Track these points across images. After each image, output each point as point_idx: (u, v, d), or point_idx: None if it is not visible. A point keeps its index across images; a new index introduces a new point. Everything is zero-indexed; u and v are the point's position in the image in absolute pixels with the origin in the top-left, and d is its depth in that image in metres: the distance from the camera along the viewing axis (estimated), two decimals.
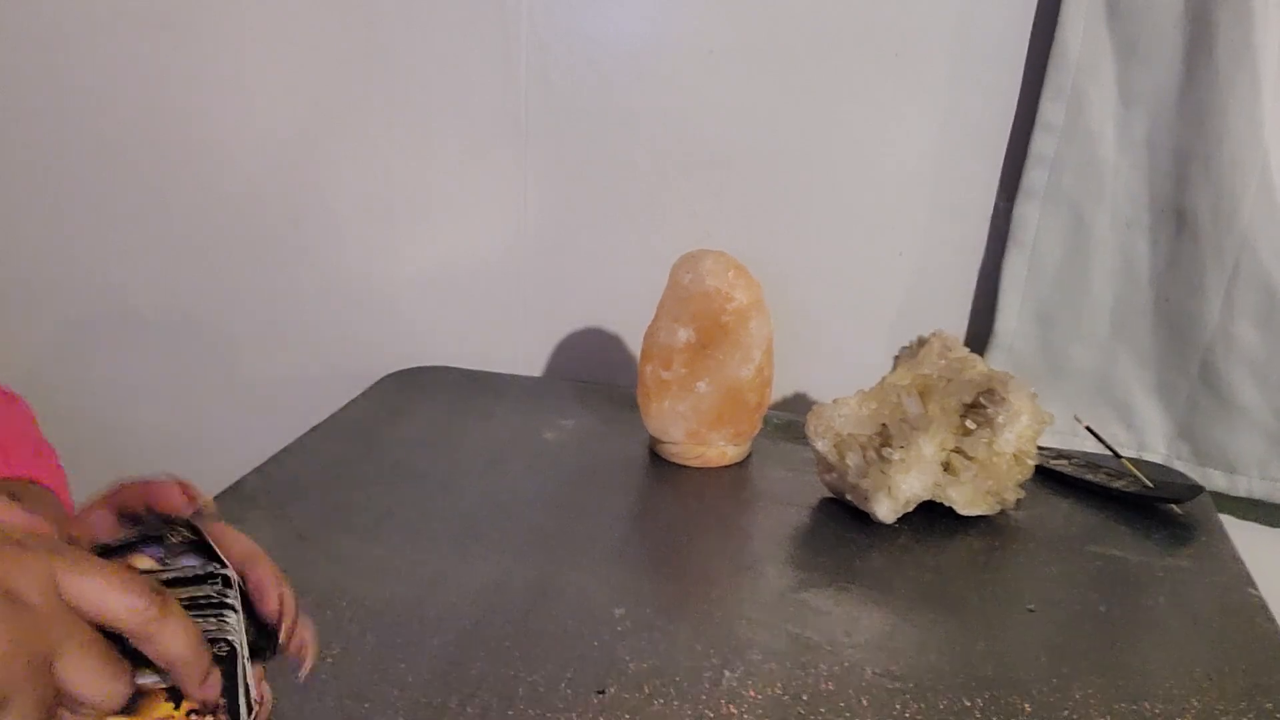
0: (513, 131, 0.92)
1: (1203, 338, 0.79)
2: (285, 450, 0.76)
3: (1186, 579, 0.63)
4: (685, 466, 0.77)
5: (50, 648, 0.28)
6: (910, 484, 0.67)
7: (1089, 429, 0.77)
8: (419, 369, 0.97)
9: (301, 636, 0.39)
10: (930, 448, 0.67)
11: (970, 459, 0.68)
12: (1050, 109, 0.78)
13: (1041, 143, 0.80)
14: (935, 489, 0.68)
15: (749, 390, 0.74)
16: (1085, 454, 0.81)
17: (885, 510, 0.67)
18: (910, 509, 0.68)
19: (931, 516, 0.69)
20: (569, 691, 0.49)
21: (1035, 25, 0.80)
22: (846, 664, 0.52)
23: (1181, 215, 0.77)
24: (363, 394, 0.90)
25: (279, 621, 0.38)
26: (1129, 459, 0.76)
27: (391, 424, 0.83)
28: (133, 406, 1.08)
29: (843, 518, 0.70)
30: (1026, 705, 0.50)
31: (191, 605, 0.35)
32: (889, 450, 0.67)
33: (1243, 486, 0.81)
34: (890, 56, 0.83)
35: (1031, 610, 0.59)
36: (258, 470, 0.72)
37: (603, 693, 0.49)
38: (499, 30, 0.89)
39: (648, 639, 0.54)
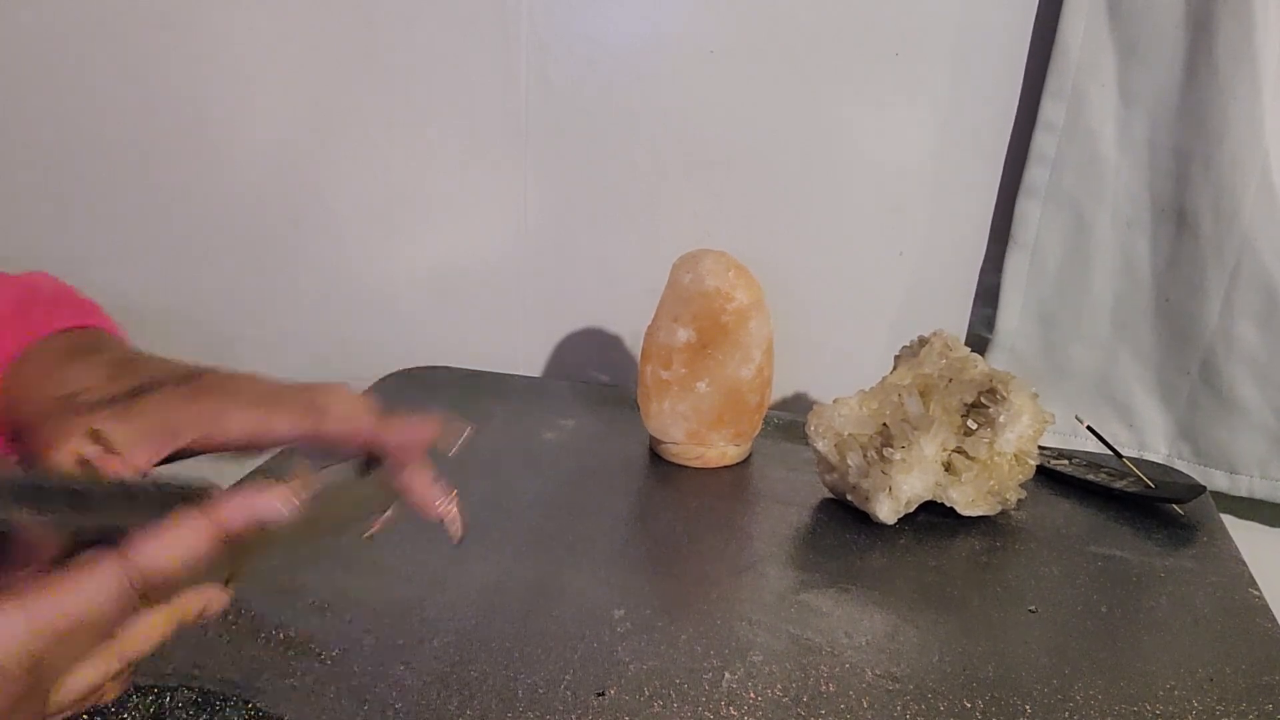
0: (513, 131, 0.92)
1: (1203, 337, 0.79)
2: (285, 450, 0.76)
3: (1188, 579, 0.63)
4: (685, 467, 0.77)
5: None
6: (911, 484, 0.66)
7: (1090, 429, 0.77)
8: (419, 369, 0.97)
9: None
10: (931, 448, 0.67)
11: (971, 459, 0.68)
12: (1051, 108, 0.78)
13: (1042, 142, 0.79)
14: (936, 489, 0.68)
15: (749, 390, 0.74)
16: (1086, 454, 0.81)
17: (886, 510, 0.66)
18: (911, 509, 0.68)
19: (932, 517, 0.69)
20: (569, 693, 0.49)
21: (1036, 25, 0.80)
22: (847, 665, 0.52)
23: (1182, 215, 0.77)
24: (362, 394, 0.90)
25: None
26: (1130, 459, 0.76)
27: None
28: None
29: (843, 518, 0.69)
30: (1027, 706, 0.49)
31: None
32: (890, 450, 0.67)
33: (1244, 486, 0.81)
34: (890, 56, 0.83)
35: (1033, 611, 0.59)
36: (261, 470, 0.72)
37: (603, 694, 0.49)
38: (499, 30, 0.88)
39: (648, 640, 0.54)
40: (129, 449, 0.38)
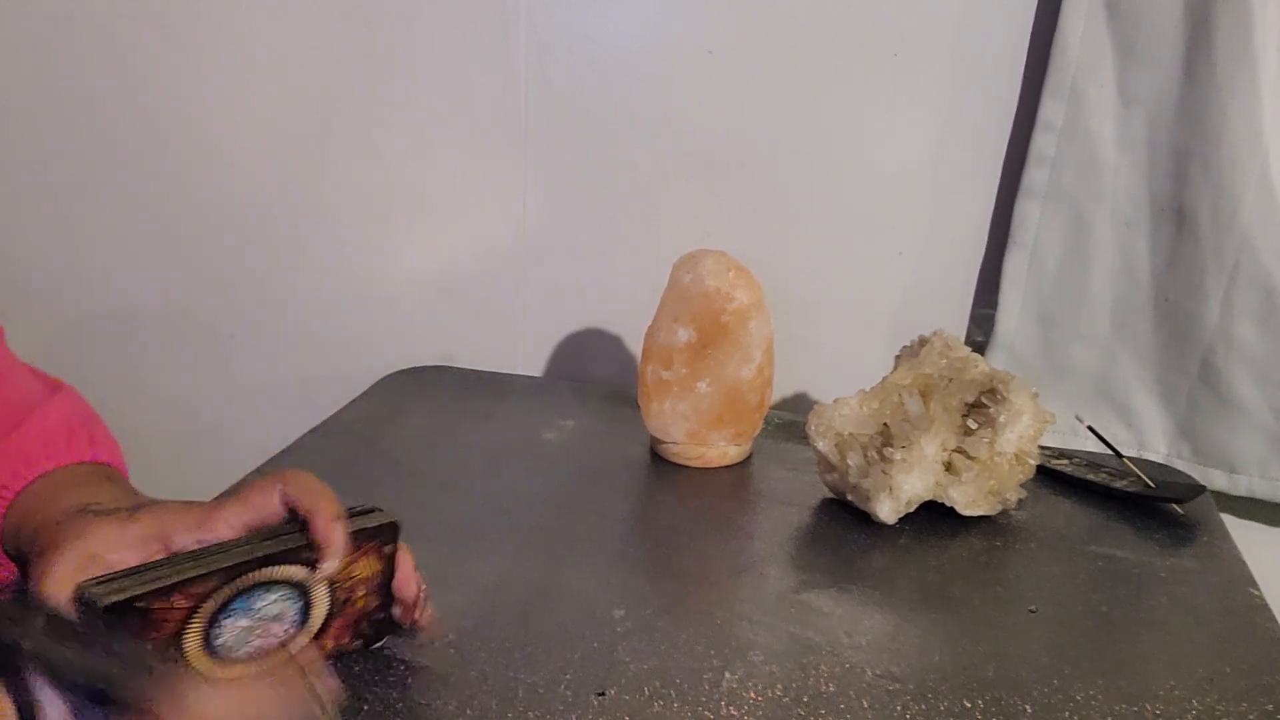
0: (512, 131, 0.92)
1: (1203, 337, 0.79)
2: (285, 450, 0.76)
3: (1188, 579, 0.63)
4: (685, 466, 0.77)
5: None
6: (912, 484, 0.66)
7: (1090, 429, 0.77)
8: (419, 369, 0.97)
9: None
10: (932, 447, 0.67)
11: (972, 459, 0.68)
12: (1050, 108, 0.78)
13: (1042, 142, 0.79)
14: (936, 489, 0.68)
15: (749, 390, 0.74)
16: (1086, 454, 0.81)
17: (886, 510, 0.67)
18: (911, 509, 0.68)
19: (933, 517, 0.69)
20: (569, 693, 0.49)
21: (1035, 25, 0.80)
22: (847, 665, 0.52)
23: (1181, 215, 0.77)
24: (363, 394, 0.90)
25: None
26: (1130, 458, 0.76)
27: (391, 424, 0.83)
28: (133, 407, 1.08)
29: (844, 518, 0.69)
30: (1027, 706, 0.50)
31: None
32: (890, 450, 0.67)
33: (1243, 486, 0.81)
34: (890, 56, 0.83)
35: (1033, 611, 0.59)
36: (258, 470, 0.72)
37: (603, 694, 0.49)
38: (499, 30, 0.88)
39: (648, 640, 0.54)
40: (124, 551, 0.43)
